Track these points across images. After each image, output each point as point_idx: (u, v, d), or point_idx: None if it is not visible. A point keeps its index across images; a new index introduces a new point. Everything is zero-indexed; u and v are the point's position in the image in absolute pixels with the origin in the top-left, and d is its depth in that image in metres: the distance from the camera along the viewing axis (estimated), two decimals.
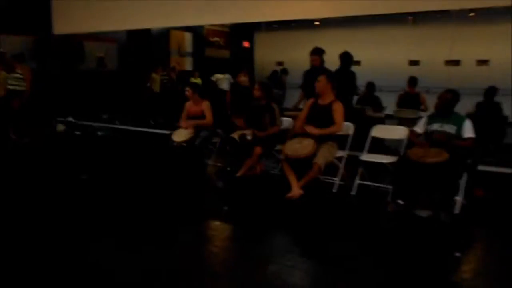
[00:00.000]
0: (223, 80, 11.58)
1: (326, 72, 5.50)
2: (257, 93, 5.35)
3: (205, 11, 7.42)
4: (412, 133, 4.47)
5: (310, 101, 5.09)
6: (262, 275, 2.95)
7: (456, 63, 12.24)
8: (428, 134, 4.28)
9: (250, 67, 13.82)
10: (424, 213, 4.06)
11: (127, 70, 10.98)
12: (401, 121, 7.32)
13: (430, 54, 12.31)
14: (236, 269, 3.08)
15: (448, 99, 4.23)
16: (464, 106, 7.54)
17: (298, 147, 4.62)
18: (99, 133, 8.80)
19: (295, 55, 14.05)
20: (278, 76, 11.26)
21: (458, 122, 4.17)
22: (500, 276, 3.02)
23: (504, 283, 2.91)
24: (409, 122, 7.05)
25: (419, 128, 4.43)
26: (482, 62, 11.77)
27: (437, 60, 12.18)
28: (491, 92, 6.89)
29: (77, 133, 8.82)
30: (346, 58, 6.41)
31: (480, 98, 7.05)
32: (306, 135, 4.75)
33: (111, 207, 4.36)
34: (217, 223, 4.12)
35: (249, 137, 5.01)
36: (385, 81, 10.41)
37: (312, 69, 6.20)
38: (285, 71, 11.44)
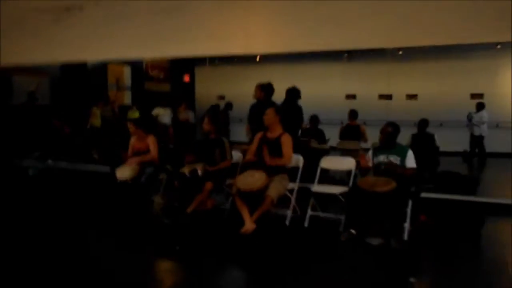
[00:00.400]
0: (164, 115, 11.41)
1: (273, 105, 5.59)
2: (206, 127, 5.29)
3: (144, 44, 7.30)
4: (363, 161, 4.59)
5: (259, 134, 5.11)
6: None
7: (389, 97, 12.98)
8: (375, 165, 4.44)
9: (191, 101, 13.79)
10: (375, 241, 4.15)
11: (60, 105, 10.50)
12: (343, 152, 7.58)
13: (366, 89, 12.98)
14: None
15: (390, 132, 4.44)
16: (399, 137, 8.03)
17: (250, 180, 4.58)
18: (30, 172, 8.24)
19: (236, 89, 14.27)
20: (219, 110, 11.29)
21: (402, 153, 4.38)
22: None
23: None
24: (351, 153, 7.32)
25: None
26: (412, 97, 12.58)
27: (372, 94, 12.85)
28: (423, 124, 7.32)
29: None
30: (293, 93, 6.54)
31: (410, 130, 7.44)
32: (257, 167, 4.76)
33: (49, 253, 4.04)
34: (168, 263, 3.96)
35: (199, 172, 4.91)
36: (324, 115, 10.79)
37: (258, 103, 6.28)
38: (229, 106, 11.49)
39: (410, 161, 4.34)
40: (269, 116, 4.95)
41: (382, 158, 4.42)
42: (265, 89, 6.24)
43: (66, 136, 9.61)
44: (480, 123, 10.16)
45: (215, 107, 11.78)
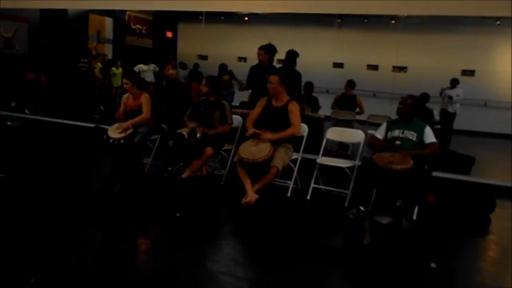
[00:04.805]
0: (147, 72, 10.91)
1: (278, 71, 5.23)
2: (204, 88, 4.91)
3: None
4: (374, 139, 4.35)
5: (263, 100, 4.78)
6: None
7: (377, 68, 12.78)
8: (389, 140, 4.21)
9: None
10: (385, 220, 3.99)
11: (39, 53, 9.84)
12: (337, 122, 7.34)
13: (354, 58, 12.69)
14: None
15: (412, 105, 4.19)
16: (381, 109, 7.85)
17: (254, 150, 4.30)
18: (9, 123, 7.76)
19: (220, 49, 13.72)
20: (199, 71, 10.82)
21: (419, 129, 4.14)
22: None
23: None
24: (346, 124, 7.10)
25: (379, 134, 4.33)
26: (401, 69, 12.37)
27: (360, 64, 12.59)
28: (423, 98, 7.14)
29: None
30: (292, 57, 6.21)
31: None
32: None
33: (36, 213, 3.73)
34: (164, 230, 3.69)
35: (198, 135, 4.57)
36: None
37: (259, 65, 5.94)
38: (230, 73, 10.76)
39: (430, 137, 4.11)
40: (274, 85, 4.57)
41: (397, 133, 4.18)
42: (269, 52, 5.88)
43: (45, 89, 9.09)
44: (459, 100, 9.79)
45: (196, 66, 11.36)
